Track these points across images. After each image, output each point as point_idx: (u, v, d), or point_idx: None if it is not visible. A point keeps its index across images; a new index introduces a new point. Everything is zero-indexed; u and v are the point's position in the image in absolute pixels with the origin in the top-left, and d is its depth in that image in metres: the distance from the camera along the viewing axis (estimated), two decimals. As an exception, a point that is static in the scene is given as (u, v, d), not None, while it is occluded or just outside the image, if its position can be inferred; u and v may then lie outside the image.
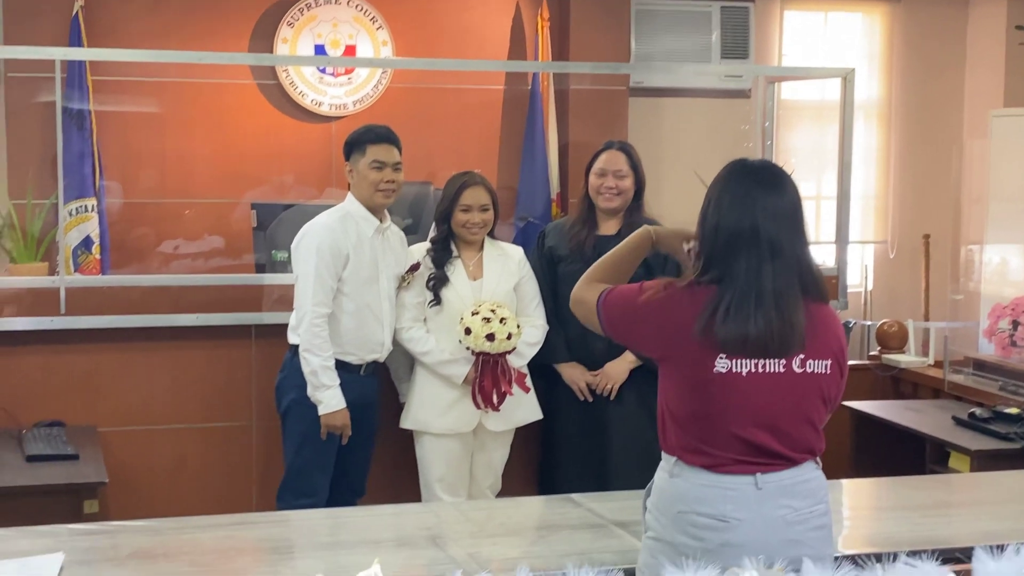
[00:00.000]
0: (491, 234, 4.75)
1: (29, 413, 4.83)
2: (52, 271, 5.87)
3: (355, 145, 4.56)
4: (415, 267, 4.65)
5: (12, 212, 6.16)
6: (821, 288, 2.80)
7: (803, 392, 2.74)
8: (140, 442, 4.97)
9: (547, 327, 4.76)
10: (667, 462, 2.81)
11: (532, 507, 4.04)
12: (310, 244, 4.46)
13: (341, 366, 4.45)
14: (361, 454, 4.64)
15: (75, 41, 6.41)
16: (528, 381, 4.69)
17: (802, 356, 2.73)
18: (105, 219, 6.54)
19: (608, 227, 4.82)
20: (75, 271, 6.21)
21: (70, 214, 6.31)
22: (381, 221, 4.58)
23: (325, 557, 3.25)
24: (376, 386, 4.68)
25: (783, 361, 2.71)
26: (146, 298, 4.95)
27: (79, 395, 4.91)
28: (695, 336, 2.70)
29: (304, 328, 4.40)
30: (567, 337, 4.73)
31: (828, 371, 2.77)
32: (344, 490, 4.59)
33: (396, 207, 5.01)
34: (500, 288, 4.65)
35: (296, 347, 4.47)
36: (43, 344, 4.87)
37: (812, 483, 2.79)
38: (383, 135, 4.56)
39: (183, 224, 6.85)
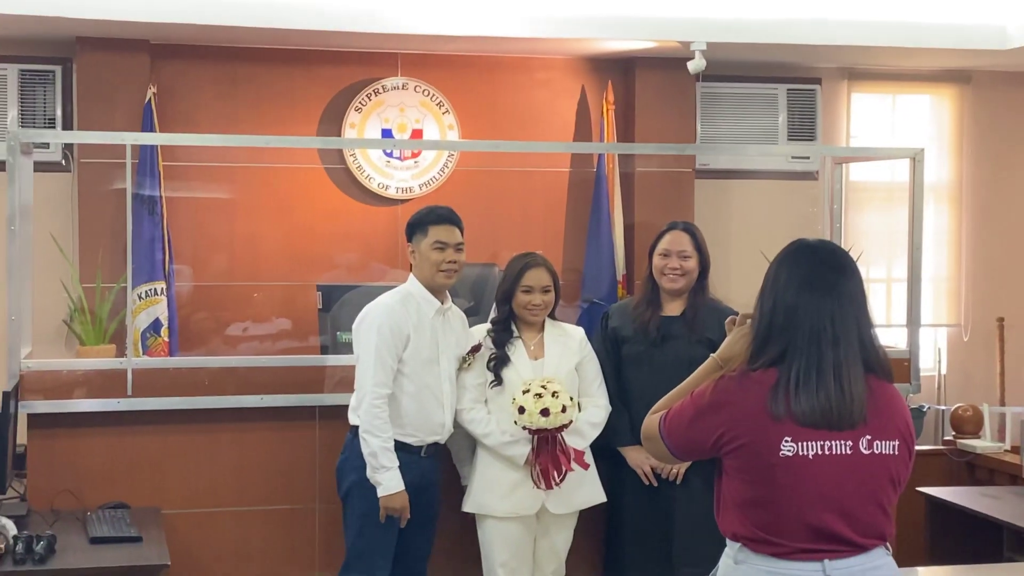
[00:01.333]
0: (552, 315, 4.73)
1: (94, 495, 4.84)
2: (120, 353, 5.92)
3: (417, 226, 4.57)
4: (476, 348, 4.63)
5: (82, 296, 6.24)
6: (885, 366, 2.76)
7: (871, 474, 2.68)
8: (203, 524, 4.96)
9: (610, 408, 4.71)
10: (731, 548, 2.75)
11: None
12: (371, 324, 4.46)
13: (401, 447, 4.41)
14: (422, 537, 4.58)
15: (147, 127, 6.54)
16: (588, 458, 4.63)
17: (868, 437, 2.67)
18: (174, 302, 6.62)
19: (672, 308, 4.78)
20: (144, 354, 6.27)
21: (140, 297, 6.38)
22: (442, 302, 4.57)
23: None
24: (437, 468, 4.64)
25: (850, 443, 2.65)
26: (212, 380, 4.96)
27: (144, 477, 4.92)
28: (761, 419, 2.65)
29: (364, 409, 4.38)
30: (631, 419, 4.67)
31: (896, 452, 2.71)
32: (405, 574, 4.54)
33: (459, 288, 5.01)
34: (561, 368, 4.61)
35: (356, 428, 4.45)
36: (109, 426, 4.89)
37: (883, 570, 2.72)
38: (445, 216, 4.57)
39: (251, 306, 6.91)
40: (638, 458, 4.69)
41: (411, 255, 4.59)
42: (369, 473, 4.36)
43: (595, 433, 4.66)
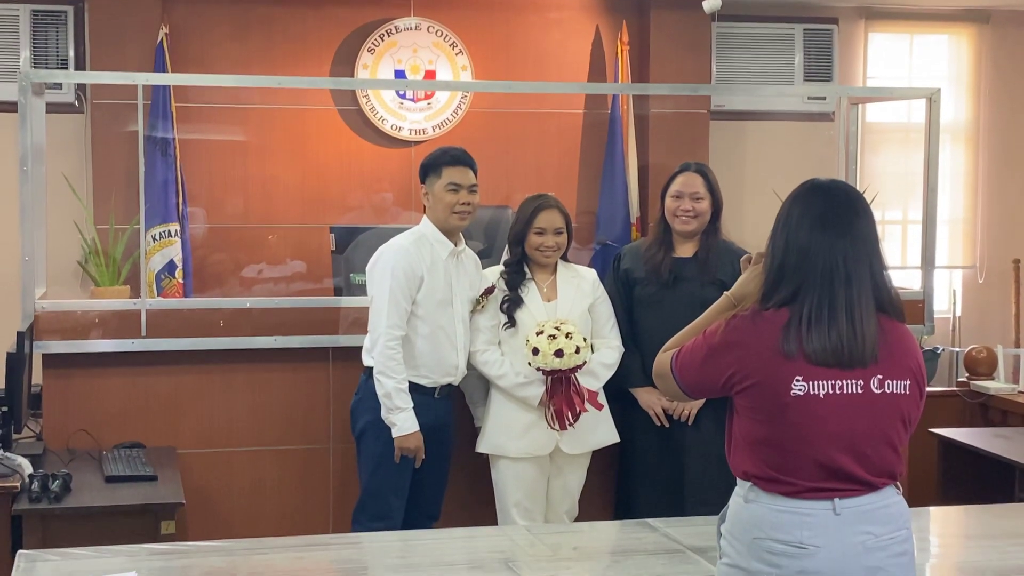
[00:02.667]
0: (565, 257, 4.72)
1: (110, 435, 4.87)
2: (135, 294, 5.94)
3: (431, 167, 4.54)
4: (490, 290, 4.62)
5: (96, 238, 6.25)
6: (897, 306, 2.74)
7: (882, 413, 2.68)
8: (218, 464, 4.99)
9: (623, 349, 4.71)
10: (742, 487, 2.75)
11: (607, 532, 3.99)
12: (385, 266, 4.46)
13: (415, 389, 4.43)
14: (436, 477, 4.61)
15: (160, 68, 6.52)
16: (602, 399, 4.64)
17: (880, 376, 2.67)
18: (188, 244, 6.63)
19: (684, 249, 4.77)
20: (159, 295, 6.29)
21: (153, 239, 6.39)
22: (456, 244, 4.56)
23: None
24: (451, 409, 4.66)
25: (861, 382, 2.65)
26: (226, 321, 4.98)
27: (159, 417, 4.95)
28: (773, 358, 2.65)
29: (379, 350, 4.39)
30: (643, 361, 4.67)
31: (907, 391, 2.70)
32: (419, 514, 4.57)
33: (473, 230, 4.99)
34: (575, 309, 4.61)
35: (371, 369, 4.46)
36: (124, 367, 4.92)
37: (893, 508, 2.71)
38: (459, 157, 4.55)
39: (265, 248, 6.91)
40: (649, 399, 4.70)
41: (424, 197, 4.58)
42: (384, 414, 4.38)
43: (608, 374, 4.67)
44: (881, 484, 2.69)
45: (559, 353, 4.39)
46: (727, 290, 4.41)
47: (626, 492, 4.85)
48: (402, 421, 4.38)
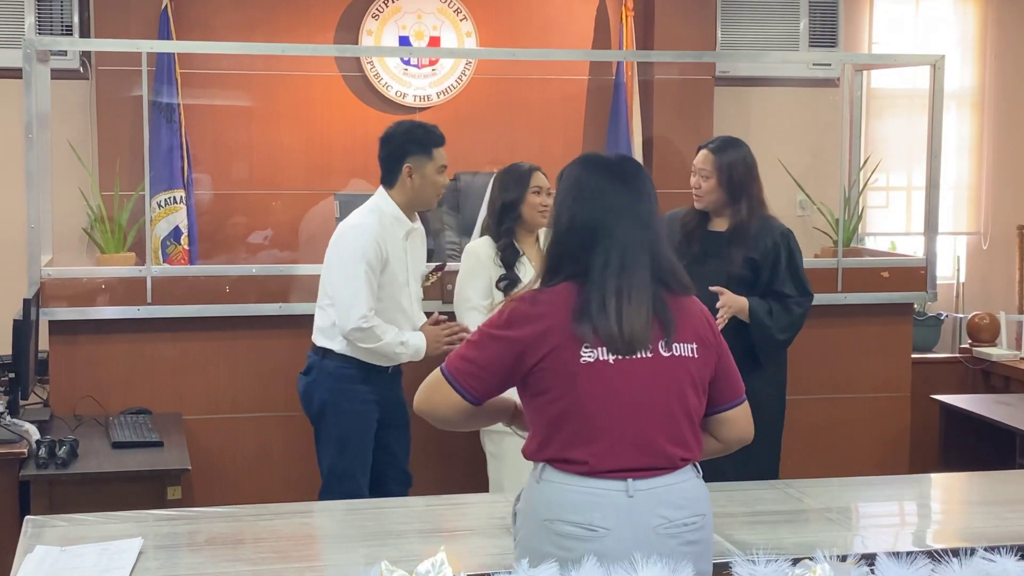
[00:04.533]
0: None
1: (116, 401, 4.91)
2: (140, 261, 5.96)
3: (419, 145, 4.42)
4: (440, 267, 4.58)
5: (101, 204, 6.27)
6: (682, 281, 2.73)
7: (672, 378, 2.65)
8: (224, 430, 5.04)
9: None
10: (536, 469, 2.67)
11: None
12: (355, 246, 4.37)
13: (372, 368, 4.41)
14: (401, 443, 4.61)
15: (164, 34, 6.51)
16: None
17: (665, 341, 2.64)
18: (193, 211, 6.64)
19: (718, 223, 4.71)
20: (164, 262, 6.31)
21: (159, 205, 6.41)
22: (412, 221, 4.52)
23: (397, 544, 3.25)
24: (400, 383, 4.61)
25: (649, 347, 2.63)
26: (231, 288, 5.01)
27: (165, 383, 4.99)
28: (559, 330, 2.61)
29: (357, 334, 4.33)
30: None
31: (695, 355, 2.68)
32: (394, 483, 4.57)
33: (472, 198, 4.96)
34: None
35: (323, 349, 4.44)
36: (130, 333, 4.95)
37: (690, 492, 2.64)
38: (443, 137, 4.49)
39: (270, 215, 6.93)
40: None
41: (406, 173, 4.43)
42: (399, 359, 4.41)
43: None
44: (676, 465, 2.64)
45: None
46: (755, 268, 4.41)
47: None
48: (417, 342, 4.42)
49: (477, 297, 4.61)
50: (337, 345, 4.42)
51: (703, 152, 4.72)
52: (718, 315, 4.50)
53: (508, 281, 4.60)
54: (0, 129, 6.35)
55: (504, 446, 4.54)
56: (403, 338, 4.40)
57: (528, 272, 4.59)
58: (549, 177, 4.62)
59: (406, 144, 4.44)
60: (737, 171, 4.67)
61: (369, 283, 4.34)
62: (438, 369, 2.72)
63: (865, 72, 6.98)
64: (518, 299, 2.70)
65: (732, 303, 4.54)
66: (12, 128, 5.86)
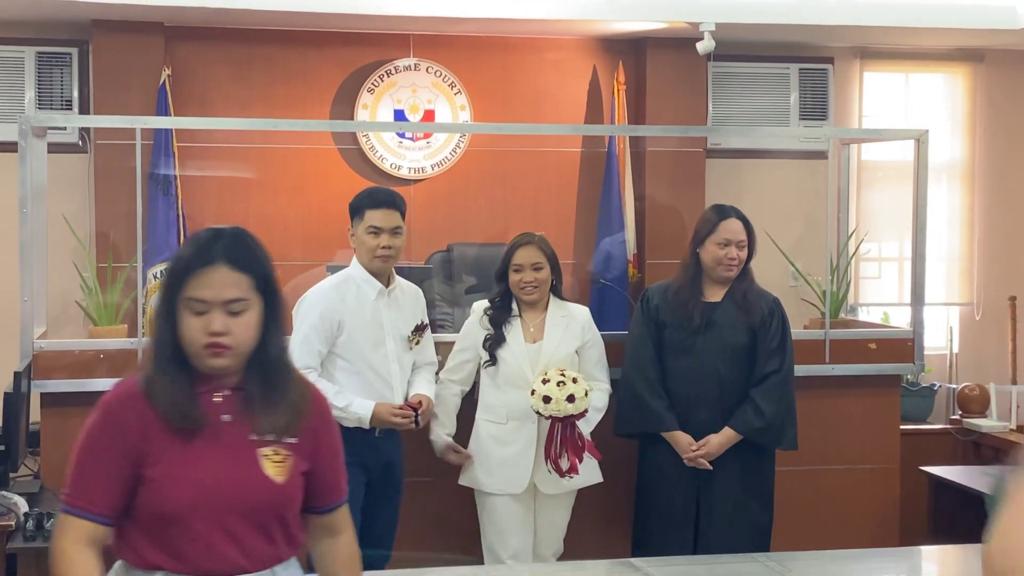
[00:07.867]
0: (559, 294, 4.74)
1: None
2: (132, 334, 5.99)
3: (355, 209, 4.53)
4: (420, 328, 4.62)
5: (95, 276, 6.31)
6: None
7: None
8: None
9: (610, 390, 4.74)
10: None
11: (591, 571, 4.01)
12: (308, 308, 4.46)
13: (356, 430, 4.37)
14: (387, 512, 4.57)
15: (162, 109, 6.61)
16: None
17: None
18: (189, 283, 6.67)
19: (713, 293, 4.74)
20: (159, 332, 6.33)
21: (155, 277, 6.46)
22: (387, 284, 4.54)
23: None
24: (397, 446, 4.60)
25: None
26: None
27: (155, 454, 5.00)
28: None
29: None
30: (673, 405, 4.68)
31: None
32: (373, 546, 4.54)
33: (468, 267, 4.99)
34: (559, 351, 4.63)
35: None
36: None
37: None
38: (383, 200, 4.52)
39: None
40: (683, 442, 4.67)
41: (351, 238, 4.55)
42: (345, 422, 4.30)
43: (598, 417, 4.68)
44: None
45: (571, 398, 4.42)
46: (755, 336, 4.47)
47: (643, 531, 4.83)
48: (358, 409, 4.38)
49: (462, 355, 4.71)
50: None
51: (734, 222, 4.71)
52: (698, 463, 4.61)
53: (492, 340, 4.64)
54: (-1, 201, 6.43)
55: (483, 506, 4.62)
56: (345, 403, 4.37)
57: (517, 336, 4.62)
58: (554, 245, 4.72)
59: (350, 209, 4.57)
60: (754, 240, 4.73)
61: (307, 342, 4.38)
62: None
63: (855, 145, 7.06)
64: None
65: (712, 449, 4.61)
66: (10, 200, 5.92)
